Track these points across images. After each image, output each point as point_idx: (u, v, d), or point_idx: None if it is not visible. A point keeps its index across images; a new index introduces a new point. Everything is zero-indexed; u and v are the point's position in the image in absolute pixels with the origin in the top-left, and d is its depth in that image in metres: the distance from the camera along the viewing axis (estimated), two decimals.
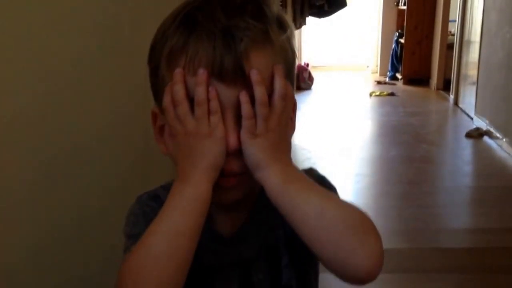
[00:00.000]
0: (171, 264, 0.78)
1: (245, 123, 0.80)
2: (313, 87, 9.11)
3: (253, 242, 0.95)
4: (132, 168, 1.62)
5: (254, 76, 0.79)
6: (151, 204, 0.93)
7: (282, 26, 0.85)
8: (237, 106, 0.80)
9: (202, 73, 0.78)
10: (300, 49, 9.90)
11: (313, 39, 10.89)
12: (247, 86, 0.79)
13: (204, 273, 0.92)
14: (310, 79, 9.17)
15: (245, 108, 0.79)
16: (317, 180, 0.89)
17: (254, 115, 0.80)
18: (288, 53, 0.87)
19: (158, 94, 0.86)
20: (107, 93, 1.41)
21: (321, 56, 11.15)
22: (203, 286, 0.94)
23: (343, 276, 0.80)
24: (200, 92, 0.78)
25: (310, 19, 8.67)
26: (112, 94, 1.45)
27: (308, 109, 7.20)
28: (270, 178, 0.81)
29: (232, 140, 0.81)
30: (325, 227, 0.79)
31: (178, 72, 0.80)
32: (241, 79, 0.79)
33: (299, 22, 8.39)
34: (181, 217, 0.80)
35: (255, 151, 0.81)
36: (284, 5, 6.93)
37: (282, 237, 0.95)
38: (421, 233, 3.44)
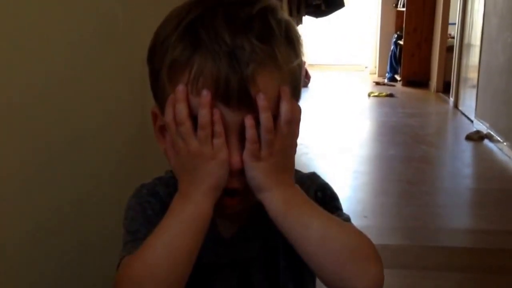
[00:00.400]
0: (169, 278, 0.78)
1: (249, 146, 0.79)
2: (310, 85, 9.09)
3: (253, 242, 0.95)
4: (128, 161, 1.61)
5: (261, 101, 0.77)
6: (150, 200, 0.92)
7: (291, 43, 0.83)
8: (241, 128, 0.79)
9: (206, 95, 0.76)
10: None
11: (311, 37, 10.86)
12: (253, 109, 0.77)
13: (203, 273, 0.91)
14: (307, 77, 9.13)
15: (250, 133, 0.78)
16: (319, 188, 0.94)
17: (259, 139, 0.79)
18: (296, 73, 0.85)
19: (158, 97, 0.85)
20: (102, 87, 1.40)
21: (318, 55, 11.13)
22: (202, 285, 0.93)
23: None
24: (203, 115, 0.77)
25: (307, 18, 8.66)
26: (108, 89, 1.43)
27: (305, 106, 7.10)
28: (272, 201, 0.81)
29: (236, 161, 0.80)
30: (326, 253, 0.80)
31: (181, 90, 0.78)
32: (246, 102, 0.77)
33: (296, 21, 8.37)
34: (180, 235, 0.80)
35: (258, 174, 0.81)
36: (280, 3, 6.90)
37: (280, 239, 0.91)
38: (420, 231, 3.42)
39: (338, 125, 6.32)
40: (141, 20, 1.53)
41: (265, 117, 0.77)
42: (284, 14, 0.84)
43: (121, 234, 0.90)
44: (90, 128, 1.33)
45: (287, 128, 0.81)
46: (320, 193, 0.95)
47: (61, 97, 1.19)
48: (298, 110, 0.84)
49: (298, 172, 0.97)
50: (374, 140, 5.99)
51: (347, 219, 0.91)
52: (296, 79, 0.85)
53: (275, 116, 0.79)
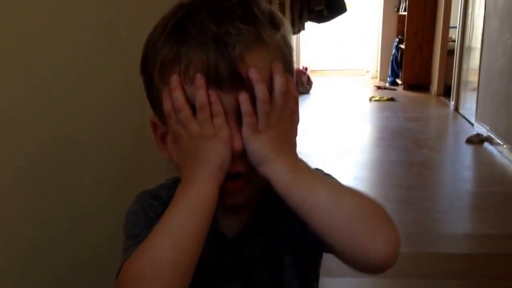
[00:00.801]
0: (176, 271, 0.76)
1: (246, 120, 0.79)
2: (311, 91, 9.09)
3: (256, 242, 0.94)
4: (127, 164, 1.60)
5: (253, 75, 0.77)
6: (152, 203, 0.91)
7: (275, 24, 0.84)
8: (238, 110, 0.79)
9: (200, 78, 0.77)
10: (298, 53, 9.89)
11: (312, 43, 10.89)
12: (246, 88, 0.78)
13: (206, 272, 0.88)
14: (309, 83, 9.14)
15: (245, 106, 0.78)
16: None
17: (255, 113, 0.79)
18: (284, 49, 0.85)
19: (155, 104, 0.86)
20: (102, 91, 1.39)
21: (320, 61, 11.17)
22: (205, 285, 0.91)
23: (359, 264, 0.78)
24: (200, 96, 0.77)
25: (309, 23, 8.65)
26: (108, 92, 1.43)
27: (307, 112, 7.17)
28: (276, 171, 0.79)
29: (237, 142, 0.79)
30: (337, 218, 0.77)
31: (175, 79, 0.79)
32: (238, 83, 0.78)
33: (298, 28, 8.36)
34: (186, 220, 0.78)
35: (259, 147, 0.80)
36: (282, 9, 6.90)
37: (285, 237, 0.94)
38: (421, 237, 3.41)
39: (339, 130, 6.31)
40: (141, 29, 1.55)
41: (259, 87, 0.77)
42: (267, 5, 0.85)
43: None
44: (90, 132, 1.33)
45: (283, 100, 0.80)
46: None
47: (63, 101, 1.18)
48: (293, 85, 0.84)
49: None
50: (375, 145, 5.98)
51: None
52: (286, 57, 0.85)
53: (270, 91, 0.79)
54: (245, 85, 0.78)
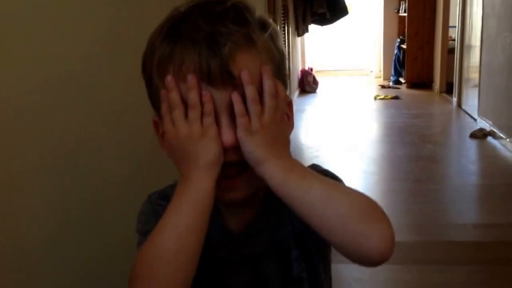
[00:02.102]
0: (179, 259, 0.78)
1: (239, 120, 0.80)
2: (318, 90, 9.14)
3: (263, 237, 0.94)
4: (139, 164, 1.61)
5: (244, 76, 0.79)
6: (161, 203, 0.92)
7: (264, 27, 0.85)
8: (231, 107, 0.80)
9: (191, 78, 0.78)
10: (303, 54, 9.92)
11: (318, 44, 10.92)
12: (237, 87, 0.79)
13: (215, 268, 0.92)
14: (315, 82, 9.20)
15: (238, 106, 0.79)
16: (321, 173, 0.89)
17: (248, 113, 0.80)
18: (273, 53, 0.86)
19: (155, 103, 0.87)
20: (114, 91, 1.40)
21: (325, 61, 11.20)
22: (214, 280, 0.94)
23: (356, 259, 0.80)
24: (192, 96, 0.79)
25: (313, 26, 8.70)
26: (119, 92, 1.44)
27: (315, 110, 7.23)
28: (270, 171, 0.80)
29: (228, 137, 0.80)
30: (333, 214, 0.78)
31: (169, 80, 0.80)
32: (229, 81, 0.79)
33: (302, 30, 8.40)
34: (186, 215, 0.80)
35: (253, 147, 0.80)
36: (286, 13, 6.94)
37: (290, 232, 0.94)
38: (430, 227, 3.45)
39: (347, 128, 6.35)
40: (151, 30, 1.55)
41: (249, 89, 0.79)
42: (259, 13, 0.87)
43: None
44: (103, 133, 1.34)
45: (273, 102, 0.81)
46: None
47: (72, 107, 1.18)
48: (282, 89, 0.85)
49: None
50: (382, 141, 6.00)
51: None
52: (277, 61, 0.87)
53: (260, 93, 0.81)
54: (236, 83, 0.79)
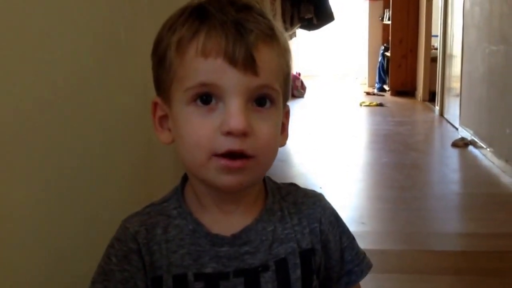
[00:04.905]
0: None
1: None
2: (305, 95, 9.15)
3: (257, 247, 0.89)
4: (134, 170, 1.55)
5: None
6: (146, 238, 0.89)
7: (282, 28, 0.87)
8: (247, 93, 0.80)
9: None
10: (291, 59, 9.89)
11: (305, 50, 10.92)
12: (258, 75, 0.79)
13: (209, 283, 0.87)
14: (303, 87, 9.22)
15: None
16: (301, 194, 0.96)
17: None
18: (288, 55, 0.87)
19: (162, 84, 0.85)
20: (107, 95, 1.35)
21: (311, 67, 11.19)
22: None
23: None
24: None
25: (300, 31, 8.70)
26: (113, 96, 1.39)
27: (302, 115, 7.21)
28: None
29: (238, 121, 0.78)
30: None
31: None
32: (252, 66, 0.78)
33: (290, 35, 8.39)
34: None
35: None
36: (273, 17, 6.93)
37: (295, 250, 0.91)
38: (414, 235, 3.44)
39: (333, 133, 6.35)
40: (142, 32, 1.50)
41: None
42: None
43: None
44: (96, 137, 1.27)
45: None
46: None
47: (64, 112, 1.11)
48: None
49: (300, 189, 0.99)
50: (367, 148, 6.00)
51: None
52: (289, 61, 0.88)
53: (272, 88, 0.82)
54: (257, 71, 0.79)
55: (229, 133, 0.78)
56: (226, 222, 0.89)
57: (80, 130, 1.18)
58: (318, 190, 1.01)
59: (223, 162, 0.80)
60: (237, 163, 0.80)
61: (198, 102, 0.80)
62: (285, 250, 0.91)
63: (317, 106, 8.37)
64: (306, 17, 8.15)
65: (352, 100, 8.78)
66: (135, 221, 0.90)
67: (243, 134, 0.79)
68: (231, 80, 0.78)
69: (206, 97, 0.80)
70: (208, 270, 0.86)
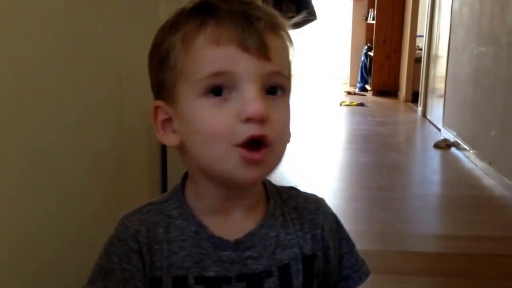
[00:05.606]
0: None
1: None
2: None
3: (260, 252, 0.88)
4: (105, 166, 1.50)
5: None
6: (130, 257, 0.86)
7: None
8: (262, 79, 0.79)
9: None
10: None
11: None
12: (271, 61, 0.79)
13: (210, 286, 0.86)
14: None
15: None
16: (302, 198, 0.97)
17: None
18: (292, 44, 0.87)
19: (165, 85, 0.84)
20: (80, 92, 1.31)
21: (294, 65, 11.16)
22: None
23: None
24: None
25: None
26: (86, 94, 1.35)
27: None
28: None
29: (256, 106, 0.77)
30: None
31: None
32: (264, 52, 0.78)
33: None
34: None
35: None
36: None
37: (298, 255, 0.91)
38: (390, 236, 3.40)
39: (312, 133, 6.28)
40: (118, 32, 1.49)
41: None
42: None
43: None
44: (68, 133, 1.23)
45: None
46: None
47: (35, 109, 1.09)
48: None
49: (301, 193, 0.99)
50: (346, 148, 5.97)
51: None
52: (290, 59, 0.88)
53: (283, 75, 0.83)
54: (269, 57, 0.79)
55: (248, 120, 0.78)
56: (227, 226, 0.89)
57: (50, 124, 1.16)
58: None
59: (244, 153, 0.79)
60: (257, 155, 0.79)
61: (210, 94, 0.79)
62: (288, 256, 0.90)
63: (296, 104, 8.25)
64: (288, 16, 8.14)
65: (332, 99, 8.77)
66: (135, 219, 0.89)
67: (262, 120, 0.78)
68: (245, 66, 0.78)
69: (217, 89, 0.79)
70: (211, 273, 0.86)
